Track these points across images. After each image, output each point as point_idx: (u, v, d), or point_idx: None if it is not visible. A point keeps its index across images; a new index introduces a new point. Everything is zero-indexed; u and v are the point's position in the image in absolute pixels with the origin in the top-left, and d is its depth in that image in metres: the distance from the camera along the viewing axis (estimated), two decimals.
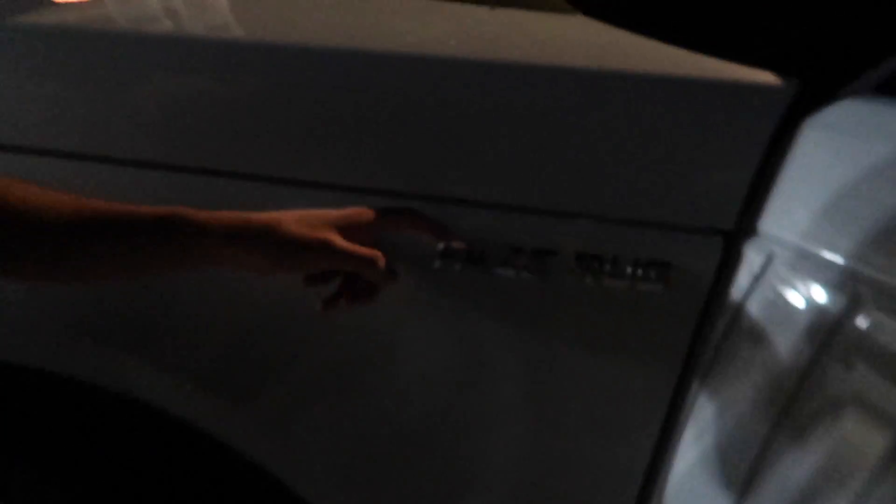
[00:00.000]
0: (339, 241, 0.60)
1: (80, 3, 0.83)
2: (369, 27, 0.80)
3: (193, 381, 0.75)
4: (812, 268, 0.56)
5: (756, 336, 0.61)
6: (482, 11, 0.88)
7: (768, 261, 0.60)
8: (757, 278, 0.61)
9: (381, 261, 0.62)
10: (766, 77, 0.61)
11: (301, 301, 0.69)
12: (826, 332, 0.55)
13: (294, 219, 0.59)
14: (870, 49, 0.63)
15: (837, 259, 0.55)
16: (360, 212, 0.63)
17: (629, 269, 0.65)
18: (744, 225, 0.63)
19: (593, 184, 0.64)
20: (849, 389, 0.54)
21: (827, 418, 0.56)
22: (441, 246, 0.67)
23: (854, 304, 0.53)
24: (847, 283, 0.54)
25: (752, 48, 0.67)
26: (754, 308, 0.61)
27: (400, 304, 0.70)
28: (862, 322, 0.53)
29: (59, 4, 0.81)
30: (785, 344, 0.58)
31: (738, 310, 0.62)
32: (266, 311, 0.73)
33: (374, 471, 0.80)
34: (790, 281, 0.58)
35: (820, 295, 0.56)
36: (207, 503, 0.85)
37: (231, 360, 0.76)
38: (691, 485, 0.70)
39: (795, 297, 0.58)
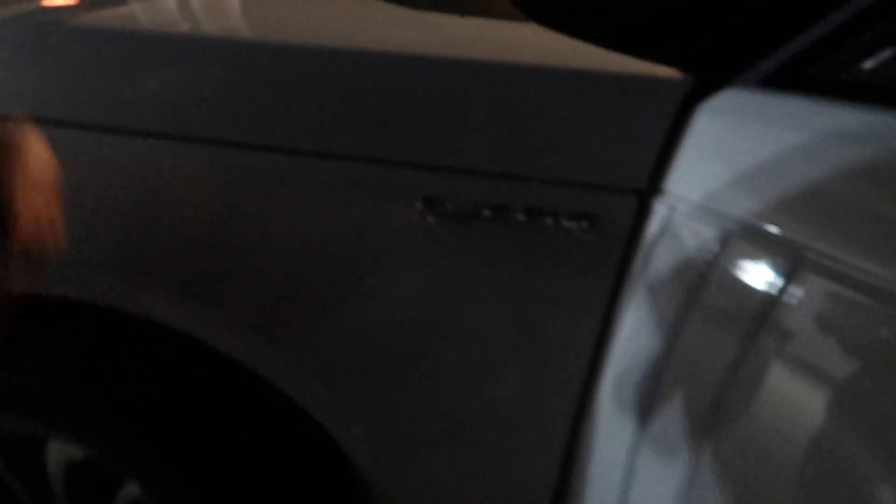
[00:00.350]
0: None
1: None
2: (369, 32, 0.99)
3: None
4: (699, 214, 0.74)
5: (661, 270, 0.79)
6: (454, 19, 1.07)
7: (671, 212, 0.78)
8: (663, 226, 0.79)
9: None
10: (669, 72, 0.80)
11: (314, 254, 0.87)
12: (706, 262, 0.73)
13: None
14: (750, 52, 0.82)
15: (717, 206, 0.73)
16: None
17: (566, 221, 0.81)
18: (653, 185, 0.79)
19: (540, 153, 0.81)
20: (720, 305, 0.72)
21: (708, 328, 0.74)
22: (419, 205, 0.84)
23: (725, 239, 0.71)
24: (721, 223, 0.72)
25: (661, 50, 0.86)
26: (661, 249, 0.79)
27: (385, 249, 0.86)
28: (730, 251, 0.71)
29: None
30: (681, 273, 0.76)
31: (650, 251, 0.80)
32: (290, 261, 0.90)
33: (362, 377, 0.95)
34: (686, 225, 0.76)
35: (704, 234, 0.74)
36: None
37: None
38: (612, 403, 0.85)
39: (688, 237, 0.76)
